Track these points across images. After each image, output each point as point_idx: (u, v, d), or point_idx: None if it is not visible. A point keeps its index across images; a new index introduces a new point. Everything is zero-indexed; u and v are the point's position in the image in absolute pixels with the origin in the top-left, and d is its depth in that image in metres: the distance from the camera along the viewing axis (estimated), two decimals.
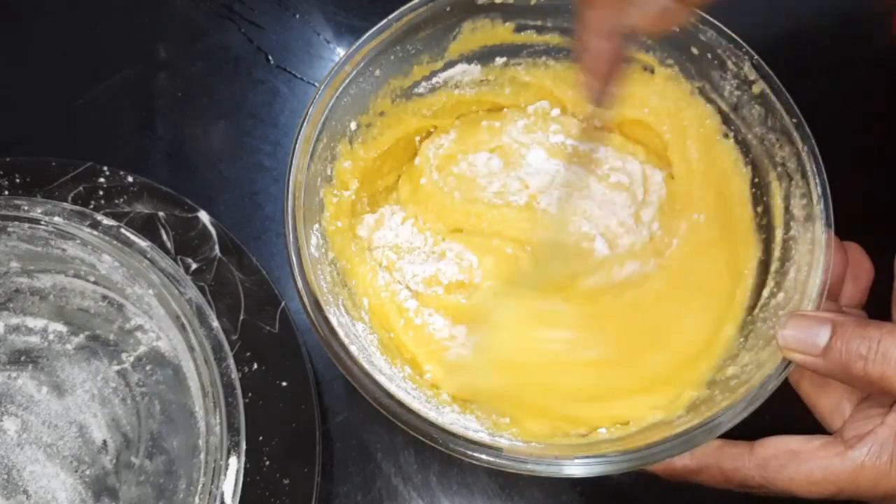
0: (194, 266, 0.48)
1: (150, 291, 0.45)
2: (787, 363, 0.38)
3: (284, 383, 0.46)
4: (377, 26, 0.45)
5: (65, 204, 0.48)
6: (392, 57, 0.46)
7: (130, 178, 0.50)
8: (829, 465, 0.36)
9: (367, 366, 0.39)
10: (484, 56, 0.49)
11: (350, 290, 0.45)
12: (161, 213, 0.49)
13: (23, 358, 0.48)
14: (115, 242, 0.46)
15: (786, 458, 0.37)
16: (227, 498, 0.41)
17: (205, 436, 0.43)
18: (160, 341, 0.48)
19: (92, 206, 0.49)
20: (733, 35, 0.44)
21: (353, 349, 0.39)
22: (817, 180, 0.41)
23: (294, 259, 0.40)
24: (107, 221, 0.47)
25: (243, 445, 0.43)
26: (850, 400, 0.39)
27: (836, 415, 0.39)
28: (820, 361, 0.36)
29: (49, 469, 0.46)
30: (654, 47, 0.48)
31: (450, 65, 0.49)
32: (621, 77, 0.38)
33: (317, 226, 0.44)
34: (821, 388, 0.40)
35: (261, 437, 0.44)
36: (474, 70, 0.50)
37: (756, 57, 0.44)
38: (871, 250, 0.42)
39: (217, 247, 0.49)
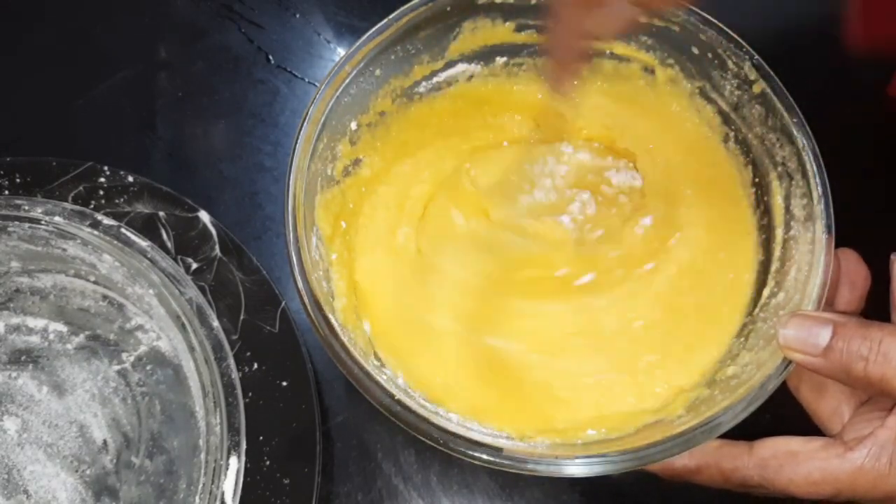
0: (195, 266, 0.48)
1: (151, 291, 0.45)
2: (788, 363, 0.38)
3: (285, 383, 0.46)
4: (377, 26, 0.45)
5: (65, 204, 0.48)
6: (392, 57, 0.46)
7: (131, 178, 0.50)
8: (828, 467, 0.36)
9: (367, 366, 0.39)
10: (485, 56, 0.49)
11: None
12: (161, 213, 0.49)
13: (23, 358, 0.48)
14: (115, 242, 0.46)
15: (785, 458, 0.37)
16: (228, 498, 0.41)
17: (205, 435, 0.43)
18: (160, 341, 0.48)
19: (92, 206, 0.49)
20: (734, 35, 0.44)
21: (353, 349, 0.39)
22: (818, 180, 0.41)
23: (294, 259, 0.40)
24: (107, 221, 0.47)
25: (243, 445, 0.43)
26: (849, 404, 0.39)
27: (835, 419, 0.39)
28: (820, 361, 0.36)
29: (49, 469, 0.46)
30: (655, 47, 0.48)
31: (450, 65, 0.49)
32: (582, 71, 0.45)
33: (317, 226, 0.44)
34: (819, 393, 0.40)
35: (261, 437, 0.44)
36: (475, 70, 0.50)
37: (756, 57, 0.44)
38: (871, 250, 0.42)
39: (217, 247, 0.49)
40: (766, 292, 0.43)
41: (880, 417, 0.37)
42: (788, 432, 0.40)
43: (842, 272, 0.41)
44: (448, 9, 0.46)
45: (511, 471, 0.38)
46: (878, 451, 0.35)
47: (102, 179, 0.50)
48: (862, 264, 0.42)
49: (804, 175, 0.42)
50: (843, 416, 0.39)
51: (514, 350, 0.44)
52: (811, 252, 0.41)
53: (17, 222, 0.46)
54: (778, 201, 0.44)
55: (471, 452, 0.38)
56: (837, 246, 0.40)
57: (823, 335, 0.36)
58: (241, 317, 0.47)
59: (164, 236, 0.49)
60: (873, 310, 0.41)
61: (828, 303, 0.40)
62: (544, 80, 0.43)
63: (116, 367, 0.48)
